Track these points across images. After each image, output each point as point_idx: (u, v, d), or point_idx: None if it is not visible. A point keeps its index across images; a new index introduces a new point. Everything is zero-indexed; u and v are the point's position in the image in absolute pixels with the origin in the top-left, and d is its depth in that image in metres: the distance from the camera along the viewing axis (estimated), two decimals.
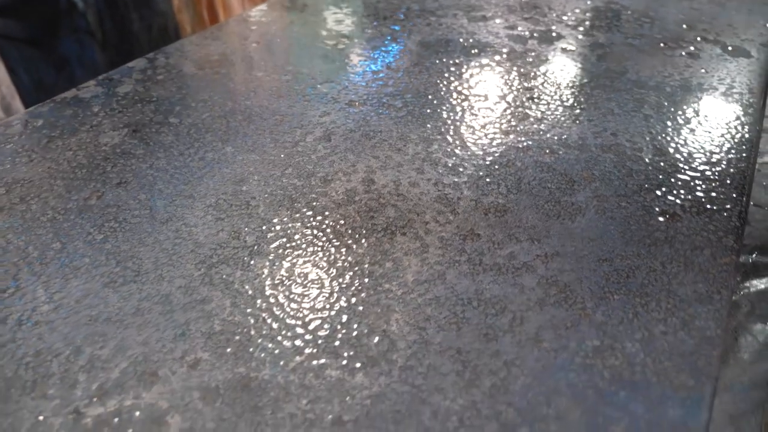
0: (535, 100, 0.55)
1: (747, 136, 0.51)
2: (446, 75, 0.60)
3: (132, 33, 1.68)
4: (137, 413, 0.30)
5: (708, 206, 0.43)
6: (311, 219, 0.41)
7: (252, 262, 0.38)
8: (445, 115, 0.53)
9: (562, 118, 0.53)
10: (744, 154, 0.48)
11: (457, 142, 0.49)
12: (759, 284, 0.45)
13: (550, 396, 0.31)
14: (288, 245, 0.39)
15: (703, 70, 0.61)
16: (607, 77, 0.60)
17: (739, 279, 0.45)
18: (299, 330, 0.34)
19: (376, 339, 0.33)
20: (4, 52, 1.52)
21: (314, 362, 0.32)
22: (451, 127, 0.51)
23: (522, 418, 0.29)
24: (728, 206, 0.43)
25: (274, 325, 0.34)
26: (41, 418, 0.29)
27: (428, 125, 0.52)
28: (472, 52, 0.65)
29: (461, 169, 0.46)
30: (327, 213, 0.42)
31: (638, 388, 0.31)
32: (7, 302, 0.35)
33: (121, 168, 0.46)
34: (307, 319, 0.34)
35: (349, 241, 0.40)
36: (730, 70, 0.61)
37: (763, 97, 0.57)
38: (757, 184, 0.54)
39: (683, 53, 0.65)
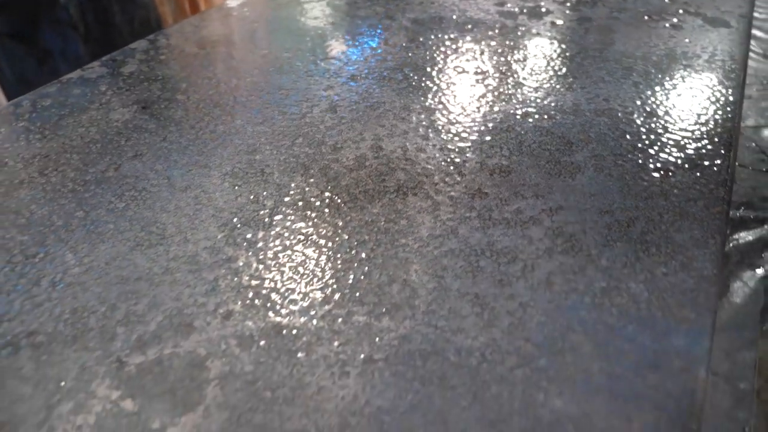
0: (530, 71, 0.58)
1: (731, 99, 0.53)
2: (442, 49, 0.62)
3: (114, 25, 1.67)
4: (177, 360, 0.31)
5: (698, 162, 0.45)
6: (326, 183, 0.43)
7: (273, 224, 0.40)
8: (444, 86, 0.55)
9: (557, 87, 0.55)
10: (729, 116, 0.51)
11: (458, 111, 0.51)
12: (747, 236, 0.47)
13: (564, 332, 0.33)
14: (306, 207, 0.41)
15: (686, 40, 0.64)
16: (596, 48, 0.62)
17: (729, 232, 0.48)
18: (324, 282, 0.35)
19: (398, 287, 0.35)
20: None
21: (341, 310, 0.34)
22: (451, 97, 0.53)
23: (539, 352, 0.32)
24: (717, 161, 0.45)
25: (300, 279, 0.36)
26: (85, 367, 0.31)
27: (429, 96, 0.53)
28: (466, 27, 0.67)
29: (464, 135, 0.48)
30: (340, 177, 0.44)
31: (644, 323, 0.33)
32: (38, 266, 0.37)
33: (135, 142, 0.47)
34: (330, 272, 0.36)
35: (364, 202, 0.41)
36: (711, 40, 0.64)
37: (743, 64, 0.60)
38: (742, 145, 0.57)
39: (667, 25, 0.68)
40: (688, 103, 0.53)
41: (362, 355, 0.31)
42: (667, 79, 0.56)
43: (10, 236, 0.39)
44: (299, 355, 0.31)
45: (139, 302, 0.34)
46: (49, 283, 0.35)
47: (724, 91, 0.54)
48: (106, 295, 0.35)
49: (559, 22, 0.69)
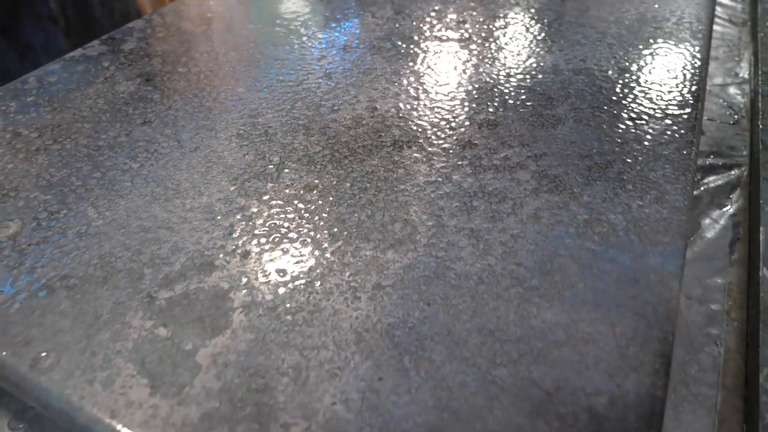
0: (511, 37, 0.61)
1: (698, 57, 0.57)
2: (427, 20, 0.65)
3: (94, 18, 1.67)
4: (202, 294, 0.34)
5: (669, 112, 0.49)
6: (326, 140, 0.46)
7: (281, 177, 0.43)
8: (431, 53, 0.58)
9: (537, 50, 0.58)
10: (697, 72, 0.55)
11: (446, 74, 0.54)
12: (716, 180, 0.51)
13: (552, 257, 0.36)
14: (310, 161, 0.44)
15: (656, 6, 0.68)
16: (573, 15, 0.66)
17: (699, 177, 0.52)
18: (332, 224, 0.39)
19: (400, 226, 0.38)
20: None
21: (349, 246, 0.37)
22: (438, 62, 0.56)
23: (530, 274, 0.35)
24: (687, 111, 0.49)
25: (309, 223, 0.39)
26: (118, 302, 0.34)
27: (417, 61, 0.57)
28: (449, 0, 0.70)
29: (453, 95, 0.51)
30: (339, 135, 0.47)
31: (623, 247, 0.37)
32: (62, 221, 0.39)
33: (142, 110, 0.50)
34: (336, 215, 0.39)
35: (363, 156, 0.45)
36: (680, 4, 0.68)
37: (709, 27, 0.64)
38: (710, 101, 0.61)
39: None
40: (658, 61, 0.56)
41: (371, 283, 0.35)
42: (639, 40, 0.60)
43: (33, 196, 0.41)
44: (314, 284, 0.35)
45: (162, 247, 0.37)
46: (75, 234, 0.38)
47: (691, 49, 0.58)
48: (130, 243, 0.37)
49: None
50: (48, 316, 0.33)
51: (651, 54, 0.58)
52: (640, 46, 0.59)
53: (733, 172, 0.54)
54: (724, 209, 0.50)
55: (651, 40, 0.60)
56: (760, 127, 0.58)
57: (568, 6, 0.67)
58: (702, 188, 0.52)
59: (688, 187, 0.42)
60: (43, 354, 0.31)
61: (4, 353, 0.31)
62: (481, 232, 0.38)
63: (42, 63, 1.68)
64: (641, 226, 0.38)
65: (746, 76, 0.69)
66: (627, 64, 0.56)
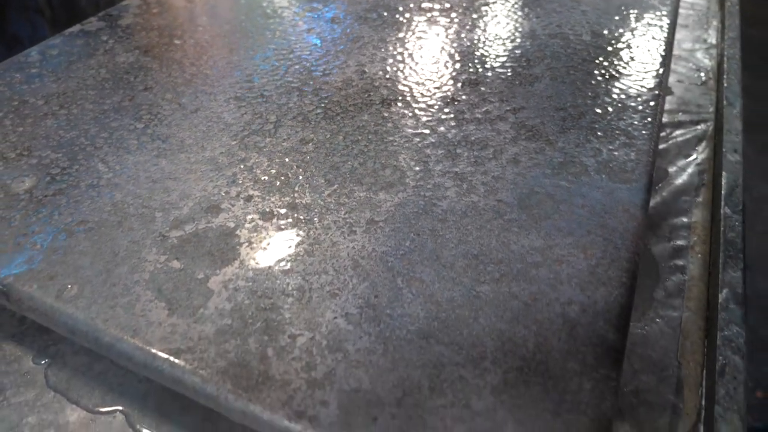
0: (490, 6, 0.64)
1: (667, 21, 0.61)
2: None
3: (80, 9, 1.68)
4: (211, 232, 0.37)
5: (638, 69, 0.53)
6: (319, 100, 0.49)
7: (278, 133, 0.46)
8: (415, 21, 0.61)
9: (515, 17, 0.62)
10: (665, 35, 0.58)
11: (430, 39, 0.58)
12: (684, 135, 0.55)
13: (530, 193, 0.40)
14: (305, 119, 0.47)
15: None
16: None
17: (669, 132, 0.55)
18: (327, 171, 0.42)
19: (390, 171, 0.42)
20: None
21: (344, 189, 0.40)
22: (422, 29, 0.60)
23: (510, 208, 0.39)
24: (655, 68, 0.53)
25: (306, 171, 0.42)
26: (133, 241, 0.37)
27: (403, 29, 0.60)
28: None
29: (436, 58, 0.55)
30: (331, 95, 0.50)
31: (594, 184, 0.41)
32: (74, 175, 0.42)
33: (143, 78, 0.53)
34: (331, 164, 0.42)
35: (354, 113, 0.48)
36: None
37: None
38: (679, 65, 0.65)
39: None
40: (629, 26, 0.60)
41: (365, 219, 0.38)
42: (612, 7, 0.64)
43: (45, 155, 0.44)
44: (313, 221, 0.38)
45: (170, 194, 0.40)
46: (87, 186, 0.41)
47: (660, 16, 0.62)
48: (140, 192, 0.40)
49: None
50: (69, 255, 0.36)
51: (622, 20, 0.61)
52: (613, 13, 0.62)
53: (699, 127, 0.58)
54: (690, 159, 0.54)
55: (623, 8, 0.64)
56: (725, 85, 0.61)
57: None
58: (671, 141, 0.56)
59: (653, 132, 0.45)
60: (68, 286, 0.34)
61: (33, 287, 0.34)
62: (464, 174, 0.41)
63: None
64: (611, 167, 0.42)
65: (714, 41, 0.72)
66: (599, 28, 0.59)
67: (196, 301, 0.33)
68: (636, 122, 0.46)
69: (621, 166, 0.42)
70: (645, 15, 0.62)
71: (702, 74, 0.66)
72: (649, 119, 0.46)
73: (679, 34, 0.74)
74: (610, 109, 0.48)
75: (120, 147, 0.45)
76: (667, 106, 0.61)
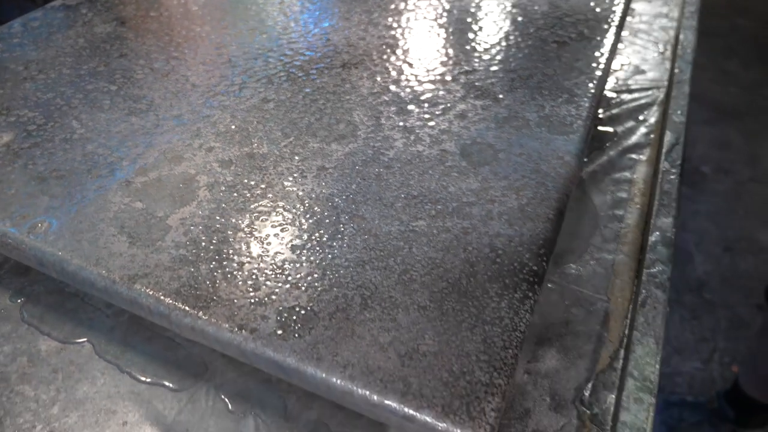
0: None
1: None
2: None
3: None
4: (173, 178, 0.40)
5: (588, 35, 0.56)
6: (283, 65, 0.52)
7: (242, 94, 0.48)
8: None
9: None
10: (620, 6, 0.61)
11: (392, 10, 0.60)
12: (637, 100, 0.58)
13: (473, 143, 0.43)
14: (268, 81, 0.50)
15: None
16: None
17: (622, 98, 0.58)
18: (285, 125, 0.45)
19: (344, 125, 0.45)
20: None
21: (299, 141, 0.43)
22: (387, 2, 0.62)
23: (452, 156, 0.41)
24: (605, 35, 0.55)
25: (265, 126, 0.45)
26: (101, 186, 0.40)
27: (369, 1, 0.62)
28: None
29: (396, 26, 0.57)
30: (294, 60, 0.53)
31: (534, 136, 0.43)
32: (49, 131, 0.45)
33: (119, 46, 0.56)
34: (289, 119, 0.45)
35: (315, 76, 0.51)
36: None
37: None
38: (639, 37, 0.67)
39: None
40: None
41: (317, 166, 0.41)
42: None
43: (23, 113, 0.47)
44: (268, 167, 0.41)
45: (138, 146, 0.43)
46: (61, 140, 0.44)
47: (593, 3, 0.65)
48: (110, 144, 0.43)
49: None
50: (40, 197, 0.39)
51: None
52: None
53: (651, 92, 0.60)
54: (640, 122, 0.57)
55: None
56: (679, 54, 0.64)
57: None
58: (623, 106, 0.59)
59: (595, 90, 0.48)
60: (38, 224, 0.37)
61: (6, 224, 0.37)
62: (413, 128, 0.44)
63: None
64: (551, 121, 0.45)
65: (675, 15, 0.75)
66: (556, 1, 0.62)
67: (155, 235, 0.36)
68: (580, 81, 0.49)
69: (561, 120, 0.45)
70: None
71: (660, 45, 0.69)
72: (592, 79, 0.49)
73: (642, 7, 0.76)
74: (557, 70, 0.50)
75: (93, 106, 0.47)
76: (623, 75, 0.64)
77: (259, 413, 0.34)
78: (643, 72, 0.65)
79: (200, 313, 0.31)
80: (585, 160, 0.51)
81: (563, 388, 0.35)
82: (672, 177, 0.48)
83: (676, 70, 0.61)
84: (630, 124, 0.56)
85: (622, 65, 0.65)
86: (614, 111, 0.58)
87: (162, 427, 0.33)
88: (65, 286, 0.41)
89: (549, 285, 0.41)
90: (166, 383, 0.36)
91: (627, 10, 0.62)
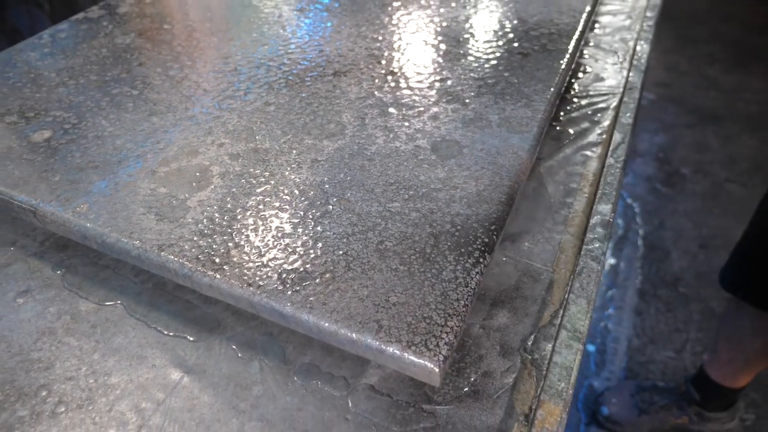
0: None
1: (582, 8, 0.72)
2: None
3: (77, 3, 1.78)
4: (190, 168, 0.48)
5: (549, 49, 0.64)
6: (282, 72, 0.60)
7: (247, 98, 0.56)
8: (369, 9, 0.72)
9: (454, 6, 0.73)
10: (581, 22, 0.69)
11: (378, 25, 0.69)
12: (593, 105, 0.66)
13: (442, 141, 0.51)
14: (270, 87, 0.58)
15: None
16: None
17: (581, 103, 0.66)
18: (284, 124, 0.53)
19: (334, 125, 0.53)
20: None
21: (296, 138, 0.51)
22: (376, 15, 0.70)
23: (425, 151, 0.49)
24: (565, 46, 0.64)
25: (267, 125, 0.53)
26: (130, 174, 0.47)
27: (358, 16, 0.71)
28: None
29: (382, 39, 0.66)
30: (292, 69, 0.61)
31: (495, 134, 0.51)
32: (83, 129, 0.53)
33: (138, 56, 0.64)
34: (287, 120, 0.53)
35: (310, 83, 0.59)
36: None
37: None
38: (600, 47, 0.76)
39: None
40: (551, 14, 0.71)
41: (311, 159, 0.49)
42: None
43: (59, 114, 0.55)
44: (269, 160, 0.49)
45: (159, 142, 0.51)
46: (93, 137, 0.52)
47: (570, 4, 0.73)
48: (136, 140, 0.51)
49: None
50: (80, 184, 0.47)
51: (542, 9, 0.72)
52: (541, 3, 0.73)
53: (607, 97, 0.69)
54: (595, 123, 0.65)
55: (543, 3, 0.75)
56: (634, 64, 0.72)
57: None
58: (581, 110, 0.67)
59: (550, 96, 0.56)
60: (80, 206, 0.45)
61: (54, 206, 0.45)
62: (392, 128, 0.52)
63: None
64: (510, 122, 0.53)
65: (636, 27, 0.83)
66: (526, 16, 0.70)
67: (177, 214, 0.44)
68: (538, 88, 0.57)
69: (518, 121, 0.53)
70: (566, 8, 0.73)
71: (619, 55, 0.77)
72: (549, 86, 0.57)
73: (608, 20, 0.85)
74: (520, 78, 0.59)
75: (119, 108, 0.55)
76: (585, 82, 0.72)
77: (262, 358, 0.42)
78: (602, 79, 0.73)
79: (216, 274, 0.39)
80: (542, 155, 0.59)
81: (511, 340, 0.43)
82: (615, 171, 0.56)
83: (631, 78, 0.70)
84: (585, 125, 0.64)
85: (585, 73, 0.74)
86: (573, 114, 0.67)
87: (184, 368, 0.41)
88: (98, 259, 0.49)
89: (505, 258, 0.49)
90: (187, 336, 0.44)
91: (587, 26, 0.70)
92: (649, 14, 0.86)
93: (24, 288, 0.47)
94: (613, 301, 1.54)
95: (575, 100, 0.69)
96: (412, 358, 0.34)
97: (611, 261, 1.65)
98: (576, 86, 0.71)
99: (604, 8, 0.88)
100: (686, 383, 1.19)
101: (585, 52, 0.78)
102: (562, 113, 0.67)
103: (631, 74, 0.70)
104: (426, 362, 0.34)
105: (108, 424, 0.38)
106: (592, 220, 0.50)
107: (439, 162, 0.48)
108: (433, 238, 0.42)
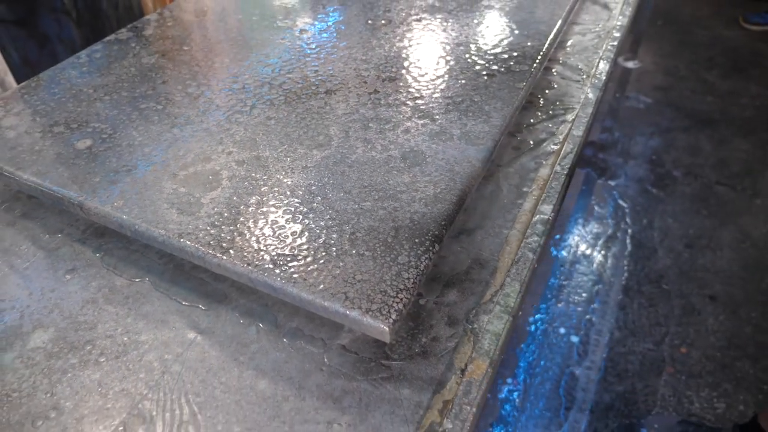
0: (421, 21, 0.86)
1: (547, 36, 0.82)
2: (363, 13, 0.90)
3: (102, 11, 1.92)
4: (204, 172, 0.59)
5: (513, 70, 0.74)
6: (282, 91, 0.71)
7: (252, 113, 0.68)
8: (360, 34, 0.83)
9: (431, 30, 0.83)
10: (543, 47, 0.79)
11: (366, 48, 0.79)
12: (554, 118, 0.76)
13: (410, 151, 0.61)
14: (271, 103, 0.69)
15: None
16: (466, 6, 0.90)
17: (542, 117, 0.77)
18: (281, 136, 0.64)
19: (322, 137, 0.64)
20: None
21: (291, 148, 0.62)
22: (366, 40, 0.81)
23: (395, 159, 0.60)
24: (525, 68, 0.74)
25: (268, 137, 0.64)
26: (157, 177, 0.59)
27: (349, 40, 0.81)
28: None
29: (368, 61, 0.76)
30: (291, 87, 0.72)
31: (455, 146, 0.62)
32: (117, 138, 0.64)
33: (161, 75, 0.75)
34: (285, 132, 0.64)
35: (305, 99, 0.70)
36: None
37: (566, 17, 0.89)
38: (565, 65, 0.86)
39: None
40: (517, 38, 0.81)
41: (302, 165, 0.60)
42: (510, 23, 0.85)
43: (97, 125, 0.66)
44: (269, 167, 0.60)
45: (179, 150, 0.62)
46: (126, 145, 0.63)
47: (539, 29, 0.83)
48: (160, 147, 0.63)
49: None
50: (117, 184, 0.58)
51: (509, 35, 0.82)
52: (513, 28, 0.84)
53: (566, 112, 0.79)
54: (552, 135, 0.75)
55: (514, 28, 0.85)
56: (594, 81, 0.83)
57: (460, 1, 0.92)
58: (542, 123, 0.77)
59: (507, 114, 0.67)
60: (116, 201, 0.56)
61: (95, 201, 0.56)
62: (371, 139, 0.63)
63: (57, 50, 1.95)
64: (469, 136, 0.64)
65: (602, 47, 0.93)
66: (496, 40, 0.81)
67: (194, 209, 0.55)
68: (497, 106, 0.68)
69: (476, 135, 0.64)
70: (534, 33, 0.84)
71: (583, 72, 0.87)
72: (507, 105, 0.68)
73: (577, 39, 0.95)
74: (483, 97, 0.69)
75: (147, 121, 0.67)
76: (551, 97, 0.82)
77: (259, 323, 0.53)
78: (565, 95, 0.83)
79: (223, 256, 0.50)
80: (501, 163, 0.70)
81: (457, 313, 0.54)
82: (560, 177, 0.66)
83: (588, 95, 0.80)
84: (543, 136, 0.75)
85: (551, 89, 0.84)
86: (536, 126, 0.77)
87: (197, 330, 0.53)
88: (130, 244, 0.61)
89: (459, 248, 0.60)
90: (200, 305, 0.55)
91: (551, 49, 0.80)
92: (616, 34, 0.96)
93: (71, 267, 0.58)
94: (599, 295, 1.64)
95: (538, 113, 0.79)
96: (370, 321, 0.45)
97: (599, 258, 1.75)
98: (541, 101, 0.82)
99: (576, 27, 0.98)
100: (734, 428, 1.24)
101: (554, 69, 0.89)
102: (525, 125, 0.77)
103: (588, 91, 0.80)
104: (379, 324, 0.45)
105: (138, 370, 0.49)
106: (534, 218, 0.61)
107: (406, 169, 0.59)
108: (395, 230, 0.52)
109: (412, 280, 0.48)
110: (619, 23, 0.98)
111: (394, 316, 0.46)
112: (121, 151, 0.62)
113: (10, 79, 1.81)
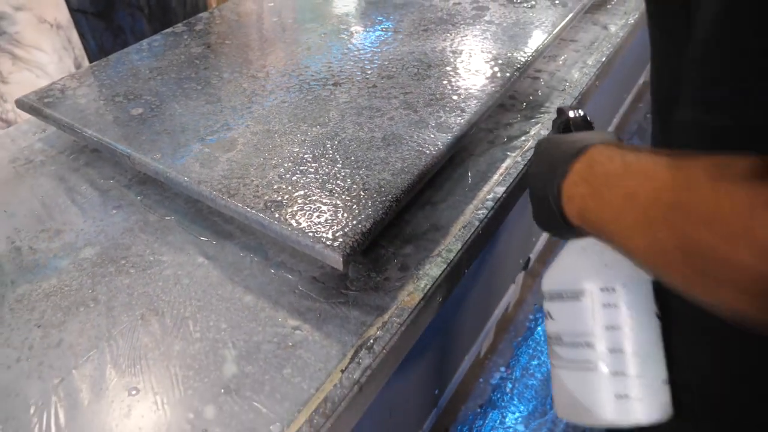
0: (414, 29, 1.00)
1: (526, 48, 0.94)
2: (368, 23, 1.04)
3: (171, 8, 2.14)
4: (226, 140, 0.75)
5: (493, 75, 0.87)
6: (299, 80, 0.87)
7: (270, 97, 0.83)
8: (369, 37, 0.98)
9: (429, 39, 0.97)
10: (524, 53, 0.92)
11: (366, 50, 0.94)
12: (527, 121, 0.89)
13: (391, 135, 0.76)
14: (287, 90, 0.84)
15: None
16: (462, 17, 1.04)
17: (519, 120, 0.89)
18: (290, 116, 0.79)
19: (323, 118, 0.79)
20: (79, 22, 1.98)
21: (296, 126, 0.77)
22: (372, 43, 0.96)
23: (378, 139, 0.75)
24: (503, 74, 0.87)
25: (280, 116, 0.79)
26: (187, 140, 0.75)
27: (360, 42, 0.96)
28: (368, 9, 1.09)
29: (368, 60, 0.91)
30: (306, 78, 0.87)
31: (428, 133, 0.76)
32: (163, 108, 0.81)
33: (204, 63, 0.92)
34: (294, 113, 0.80)
35: (317, 89, 0.85)
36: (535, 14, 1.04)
37: (522, 65, 1.01)
38: (552, 76, 0.98)
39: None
40: (503, 47, 0.94)
41: (301, 139, 0.75)
42: (468, 32, 0.98)
43: (149, 98, 0.83)
44: (276, 138, 0.75)
45: (209, 120, 0.78)
46: (168, 115, 0.80)
47: (509, 54, 0.96)
48: (194, 118, 0.79)
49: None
50: (157, 143, 0.75)
51: (500, 44, 0.95)
52: (477, 33, 0.97)
53: (541, 116, 0.91)
54: (524, 133, 0.88)
55: (477, 35, 0.98)
56: (567, 90, 0.95)
57: (465, 16, 1.06)
58: (518, 123, 0.90)
59: (477, 109, 0.80)
60: (155, 155, 0.73)
61: (140, 154, 0.73)
62: (361, 123, 0.78)
63: (129, 42, 2.21)
64: (441, 125, 0.77)
65: (590, 62, 1.05)
66: (485, 49, 0.94)
67: (212, 164, 0.71)
68: (472, 103, 0.81)
69: (448, 125, 0.77)
70: (521, 46, 0.96)
71: (566, 84, 0.99)
72: (481, 102, 0.81)
73: (569, 55, 1.07)
74: (461, 96, 0.83)
75: (187, 98, 0.83)
76: (533, 102, 0.95)
77: (252, 256, 0.68)
78: (545, 102, 0.95)
79: (230, 200, 0.66)
80: (474, 152, 0.83)
81: (409, 262, 0.67)
82: (518, 166, 0.79)
83: (563, 102, 0.92)
84: (516, 133, 0.87)
85: (534, 96, 0.96)
86: (513, 125, 0.90)
87: (206, 257, 0.68)
88: (164, 191, 0.77)
89: (422, 216, 0.73)
90: (210, 240, 0.70)
91: (533, 60, 0.93)
92: (605, 51, 1.07)
93: (117, 204, 0.75)
94: None
95: (518, 115, 0.92)
96: (330, 252, 0.60)
97: None
98: (524, 104, 0.94)
99: (571, 45, 1.10)
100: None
101: (542, 79, 1.01)
102: (504, 124, 0.90)
103: (563, 100, 0.92)
104: (336, 255, 0.59)
105: (158, 280, 0.65)
106: (488, 197, 0.74)
107: (383, 147, 0.73)
108: (365, 191, 0.67)
109: (368, 226, 0.62)
110: (610, 44, 1.09)
111: (348, 250, 0.60)
112: (164, 119, 0.79)
113: (86, 63, 2.04)
